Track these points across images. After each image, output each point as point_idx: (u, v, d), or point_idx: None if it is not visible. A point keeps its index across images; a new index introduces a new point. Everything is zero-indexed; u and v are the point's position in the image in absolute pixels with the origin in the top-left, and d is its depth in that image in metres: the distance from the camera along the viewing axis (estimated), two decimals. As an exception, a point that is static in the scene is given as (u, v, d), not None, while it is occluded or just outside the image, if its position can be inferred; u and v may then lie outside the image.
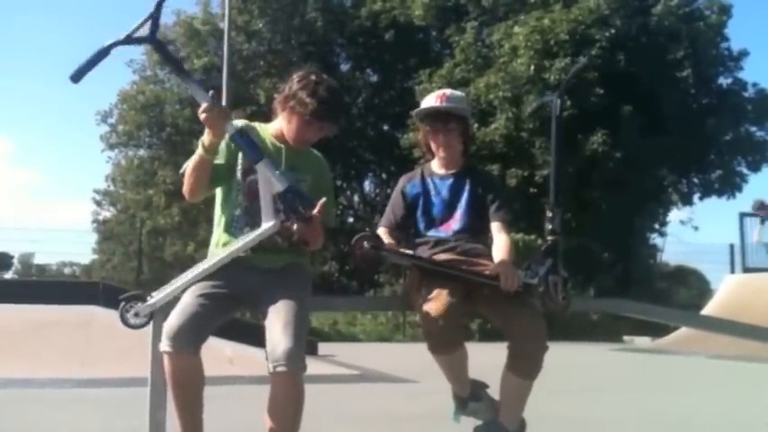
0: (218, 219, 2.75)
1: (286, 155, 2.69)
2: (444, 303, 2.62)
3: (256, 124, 2.81)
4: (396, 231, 2.94)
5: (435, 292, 2.66)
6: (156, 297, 2.53)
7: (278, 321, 2.43)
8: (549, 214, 2.72)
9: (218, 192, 2.74)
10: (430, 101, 2.99)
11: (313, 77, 2.67)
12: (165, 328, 2.41)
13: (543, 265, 2.70)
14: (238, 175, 2.66)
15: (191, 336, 2.41)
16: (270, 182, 2.47)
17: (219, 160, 2.64)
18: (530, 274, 2.69)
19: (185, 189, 2.66)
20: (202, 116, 2.45)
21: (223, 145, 2.63)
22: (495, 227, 2.91)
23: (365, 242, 2.65)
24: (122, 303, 2.50)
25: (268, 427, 2.46)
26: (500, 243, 2.84)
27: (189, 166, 2.62)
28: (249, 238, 2.53)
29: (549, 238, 2.70)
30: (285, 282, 2.59)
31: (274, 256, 2.63)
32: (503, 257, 2.75)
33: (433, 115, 2.96)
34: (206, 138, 2.52)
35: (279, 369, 2.35)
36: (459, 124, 2.96)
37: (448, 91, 3.05)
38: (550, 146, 2.89)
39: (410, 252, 2.81)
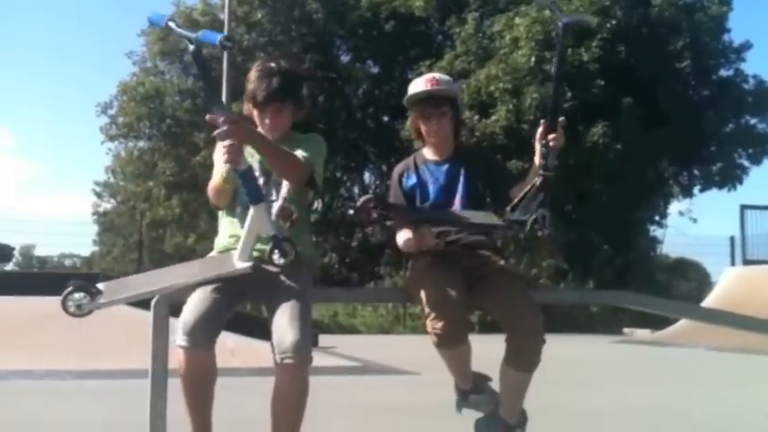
0: (221, 222, 2.78)
1: None
2: (449, 300, 2.61)
3: None
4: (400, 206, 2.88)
5: (440, 288, 2.65)
6: (107, 298, 2.43)
7: (284, 314, 2.43)
8: (544, 150, 2.61)
9: None
10: (419, 85, 2.92)
11: (256, 67, 2.74)
12: (181, 323, 2.41)
13: (535, 200, 2.60)
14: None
15: (206, 331, 2.42)
16: (260, 223, 2.47)
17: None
18: (521, 212, 2.61)
19: (213, 202, 2.74)
20: (226, 142, 2.39)
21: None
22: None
23: (371, 204, 2.61)
24: (70, 288, 2.43)
25: (272, 417, 2.47)
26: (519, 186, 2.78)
27: (212, 189, 2.67)
28: (220, 272, 2.50)
29: (541, 172, 2.61)
30: (287, 274, 2.59)
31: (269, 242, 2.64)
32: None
33: (425, 100, 2.90)
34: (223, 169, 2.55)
35: (286, 361, 2.35)
36: (451, 108, 2.91)
37: (436, 74, 2.99)
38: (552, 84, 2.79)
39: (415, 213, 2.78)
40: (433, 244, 2.71)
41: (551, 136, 2.59)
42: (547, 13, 20.55)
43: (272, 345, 2.41)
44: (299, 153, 2.65)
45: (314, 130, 2.95)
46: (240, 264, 2.48)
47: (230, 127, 2.38)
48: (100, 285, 2.45)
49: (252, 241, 2.49)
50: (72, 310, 2.41)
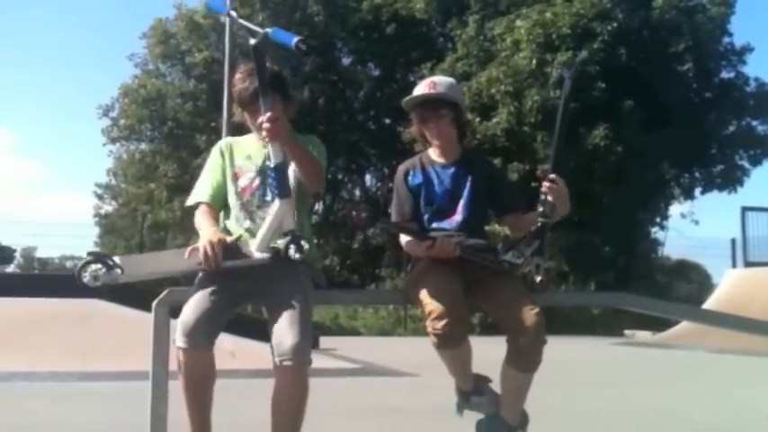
0: (222, 226, 2.79)
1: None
2: (449, 301, 2.62)
3: (235, 138, 2.91)
4: (410, 224, 2.89)
5: (440, 289, 2.65)
6: (127, 274, 2.43)
7: (284, 316, 2.45)
8: (542, 197, 2.68)
9: None
10: (419, 89, 2.94)
11: (239, 70, 2.79)
12: (181, 323, 2.42)
13: (530, 246, 2.69)
14: (230, 182, 2.76)
15: (206, 332, 2.44)
16: (283, 218, 2.51)
17: (218, 177, 2.77)
18: (516, 254, 2.69)
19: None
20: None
21: (217, 158, 2.80)
22: (518, 216, 2.90)
23: (362, 214, 2.64)
24: (89, 258, 2.41)
25: (272, 419, 2.47)
26: (527, 216, 2.84)
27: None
28: (236, 260, 2.53)
29: (540, 220, 2.68)
30: (288, 275, 2.59)
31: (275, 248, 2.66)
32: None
33: (424, 103, 2.91)
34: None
35: (285, 363, 2.37)
36: (451, 110, 2.91)
37: (436, 78, 3.00)
38: (553, 136, 2.82)
39: (408, 227, 2.81)
40: (452, 251, 2.69)
41: (546, 184, 2.65)
42: (548, 15, 20.59)
43: (271, 347, 2.42)
44: None
45: (311, 133, 2.97)
46: (258, 254, 2.51)
47: (271, 125, 2.43)
48: (117, 258, 2.44)
49: (271, 234, 2.52)
50: (87, 279, 2.39)
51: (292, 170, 2.76)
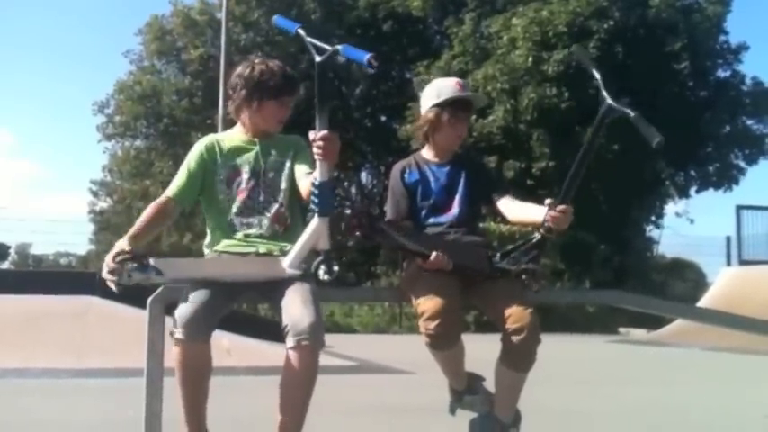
0: (212, 229, 2.78)
1: (262, 148, 2.75)
2: (443, 301, 2.61)
3: (217, 135, 2.87)
4: (405, 222, 2.88)
5: (433, 289, 2.65)
6: (164, 277, 2.44)
7: (297, 298, 2.44)
8: (546, 224, 2.68)
9: (202, 204, 2.79)
10: (451, 87, 2.89)
11: (257, 63, 2.76)
12: (178, 315, 2.41)
13: (527, 255, 2.69)
14: (221, 183, 2.72)
15: (203, 324, 2.42)
16: (319, 236, 2.49)
17: (197, 175, 2.71)
18: (510, 261, 2.70)
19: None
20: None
21: (201, 156, 2.73)
22: (508, 199, 2.89)
23: (361, 230, 2.61)
24: (126, 255, 2.38)
25: (282, 402, 2.46)
26: (526, 204, 2.85)
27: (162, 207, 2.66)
28: (267, 273, 2.53)
29: (542, 233, 2.68)
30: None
31: (270, 241, 2.67)
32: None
33: (456, 104, 2.88)
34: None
35: (304, 342, 2.36)
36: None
37: (459, 80, 2.99)
38: (572, 166, 2.83)
39: (405, 244, 2.78)
40: (445, 264, 2.67)
41: (554, 214, 2.64)
42: (544, 13, 20.60)
43: (284, 328, 2.40)
44: (305, 168, 2.68)
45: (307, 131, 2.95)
46: (290, 270, 2.51)
47: (325, 143, 2.39)
48: (152, 261, 2.43)
49: (307, 251, 2.50)
50: (123, 281, 2.37)
51: (288, 169, 2.75)
